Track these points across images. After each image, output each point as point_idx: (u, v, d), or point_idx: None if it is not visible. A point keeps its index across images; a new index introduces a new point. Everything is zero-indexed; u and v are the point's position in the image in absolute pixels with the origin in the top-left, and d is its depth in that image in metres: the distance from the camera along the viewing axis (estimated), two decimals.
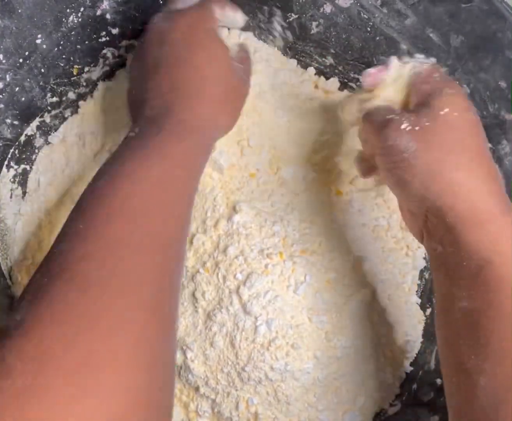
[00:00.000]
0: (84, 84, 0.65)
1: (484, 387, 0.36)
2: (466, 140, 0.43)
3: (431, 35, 0.58)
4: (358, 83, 0.64)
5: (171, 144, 0.42)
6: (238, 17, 0.56)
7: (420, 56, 0.52)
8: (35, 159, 0.64)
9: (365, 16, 0.60)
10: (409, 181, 0.42)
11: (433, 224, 0.42)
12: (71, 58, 0.62)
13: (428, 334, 0.62)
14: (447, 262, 0.42)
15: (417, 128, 0.42)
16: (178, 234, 0.40)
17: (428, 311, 0.62)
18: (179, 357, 0.54)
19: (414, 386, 0.60)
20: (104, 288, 0.31)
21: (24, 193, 0.63)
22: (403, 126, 0.42)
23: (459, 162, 0.42)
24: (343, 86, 0.67)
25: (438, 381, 0.59)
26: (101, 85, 0.65)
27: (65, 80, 0.63)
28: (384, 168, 0.45)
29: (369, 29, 0.61)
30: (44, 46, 0.60)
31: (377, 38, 0.61)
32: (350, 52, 0.64)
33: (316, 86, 0.67)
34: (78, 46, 0.62)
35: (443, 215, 0.41)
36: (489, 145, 0.57)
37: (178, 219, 0.40)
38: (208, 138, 0.47)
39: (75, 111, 0.65)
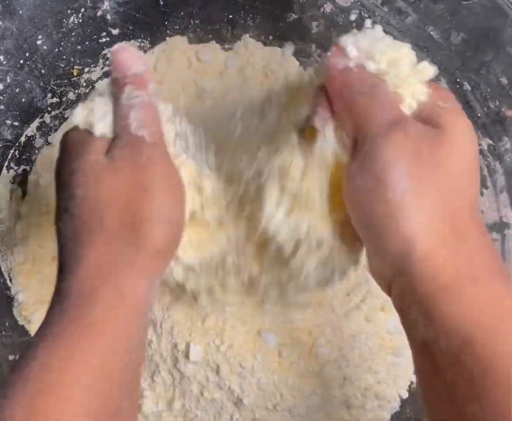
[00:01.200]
0: (84, 84, 0.65)
1: None
2: (464, 182, 0.33)
3: (432, 33, 0.58)
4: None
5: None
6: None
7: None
8: (35, 159, 0.64)
9: (365, 15, 0.61)
10: (378, 224, 0.33)
11: (401, 286, 0.33)
12: (72, 58, 0.62)
13: None
14: (421, 333, 0.33)
15: (419, 154, 0.32)
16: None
17: None
18: None
19: (414, 384, 0.60)
20: None
21: (24, 194, 0.63)
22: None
23: (464, 206, 0.33)
24: None
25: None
26: (100, 86, 0.65)
27: (65, 81, 0.63)
28: (353, 190, 0.34)
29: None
30: (45, 47, 0.60)
31: None
32: None
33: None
34: (79, 47, 0.62)
35: (411, 280, 0.32)
36: (490, 142, 0.57)
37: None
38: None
39: None
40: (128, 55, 0.36)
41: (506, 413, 0.28)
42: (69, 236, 0.34)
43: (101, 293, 0.32)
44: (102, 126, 0.35)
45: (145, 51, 0.65)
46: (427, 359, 0.33)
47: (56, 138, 0.64)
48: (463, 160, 0.33)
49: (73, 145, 0.35)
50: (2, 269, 0.60)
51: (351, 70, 0.34)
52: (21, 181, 0.63)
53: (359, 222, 0.35)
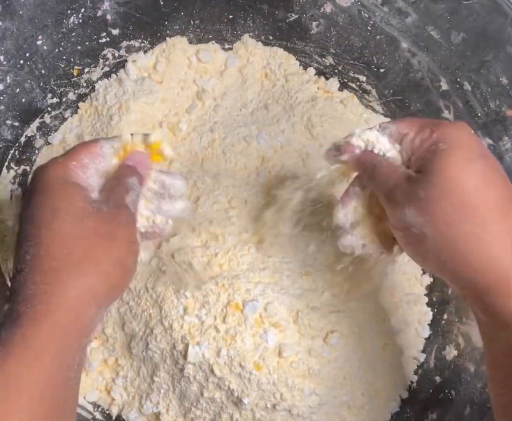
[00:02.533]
0: (84, 84, 0.65)
1: None
2: (474, 199, 0.38)
3: (432, 32, 0.58)
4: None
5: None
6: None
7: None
8: (35, 160, 0.64)
9: (365, 15, 0.60)
10: (423, 256, 0.41)
11: (463, 294, 0.40)
12: (72, 59, 0.62)
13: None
14: (483, 327, 0.39)
15: (417, 201, 0.39)
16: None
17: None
18: None
19: (414, 384, 0.60)
20: None
21: (24, 194, 0.63)
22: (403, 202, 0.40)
23: (469, 230, 0.38)
24: (343, 86, 0.67)
25: (437, 379, 0.59)
26: (100, 86, 0.65)
27: (65, 81, 0.63)
28: (399, 241, 0.43)
29: (369, 28, 0.61)
30: (45, 47, 0.60)
31: (378, 37, 0.61)
32: (350, 51, 0.64)
33: (319, 88, 0.67)
34: (79, 47, 0.62)
35: (469, 289, 0.39)
36: (490, 141, 0.57)
37: None
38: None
39: (74, 111, 0.65)
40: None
41: None
42: (30, 261, 0.37)
43: (57, 314, 0.36)
44: (94, 181, 0.42)
45: (145, 51, 0.66)
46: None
47: (56, 138, 0.64)
48: (449, 194, 0.38)
49: (59, 187, 0.40)
50: (2, 269, 0.60)
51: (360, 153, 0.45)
52: (21, 181, 0.63)
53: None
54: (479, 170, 0.39)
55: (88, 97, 0.65)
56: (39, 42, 0.59)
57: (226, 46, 0.67)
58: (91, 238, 0.39)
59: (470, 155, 0.39)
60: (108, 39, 0.63)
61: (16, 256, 0.39)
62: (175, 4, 0.63)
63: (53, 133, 0.64)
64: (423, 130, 0.41)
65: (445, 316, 0.60)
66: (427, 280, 0.63)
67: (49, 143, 0.64)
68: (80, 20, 0.61)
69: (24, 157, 0.63)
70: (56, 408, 0.36)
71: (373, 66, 0.64)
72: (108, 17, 0.62)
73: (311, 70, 0.67)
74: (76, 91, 0.65)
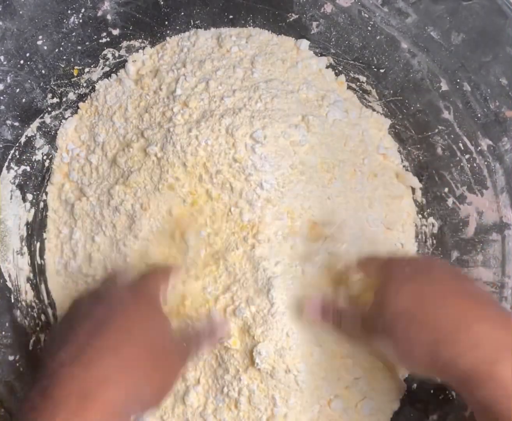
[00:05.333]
0: (84, 84, 0.65)
1: None
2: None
3: (432, 33, 0.58)
4: None
5: None
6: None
7: None
8: (35, 160, 0.64)
9: (365, 15, 0.61)
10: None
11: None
12: (72, 59, 0.63)
13: None
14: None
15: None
16: None
17: None
18: None
19: (414, 385, 0.60)
20: None
21: (24, 194, 0.63)
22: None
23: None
24: None
25: (437, 379, 0.59)
26: (101, 86, 0.65)
27: (66, 81, 0.63)
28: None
29: (369, 28, 0.61)
30: (45, 47, 0.60)
31: (378, 37, 0.61)
32: (350, 52, 0.64)
33: None
34: (79, 47, 0.62)
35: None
36: (489, 142, 0.57)
37: None
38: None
39: (75, 111, 0.65)
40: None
41: None
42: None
43: None
44: None
45: None
46: None
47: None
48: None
49: None
50: (2, 270, 0.60)
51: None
52: (21, 182, 0.63)
53: None
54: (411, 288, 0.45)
55: (88, 97, 0.65)
56: (39, 42, 0.59)
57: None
58: None
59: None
60: (108, 39, 0.63)
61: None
62: (175, 4, 0.63)
63: (53, 133, 0.64)
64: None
65: None
66: None
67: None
68: (81, 20, 0.61)
69: (24, 157, 0.63)
70: None
71: (373, 67, 0.64)
72: (108, 17, 0.62)
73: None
74: (76, 91, 0.65)
